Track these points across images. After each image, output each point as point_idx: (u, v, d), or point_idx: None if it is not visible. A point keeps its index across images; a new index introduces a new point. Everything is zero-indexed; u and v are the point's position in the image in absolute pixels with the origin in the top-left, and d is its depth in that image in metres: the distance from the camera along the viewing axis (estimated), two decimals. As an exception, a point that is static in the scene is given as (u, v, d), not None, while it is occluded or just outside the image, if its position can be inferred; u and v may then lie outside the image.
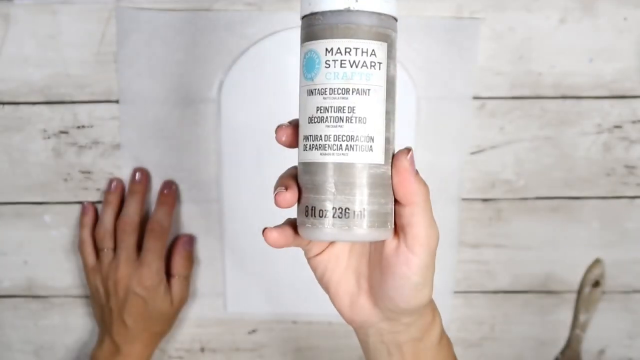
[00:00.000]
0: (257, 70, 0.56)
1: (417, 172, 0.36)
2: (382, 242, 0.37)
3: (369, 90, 0.34)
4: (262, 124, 0.57)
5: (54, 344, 0.64)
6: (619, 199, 0.60)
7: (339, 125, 0.34)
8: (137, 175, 0.58)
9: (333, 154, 0.34)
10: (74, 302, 0.63)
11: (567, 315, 0.64)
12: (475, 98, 0.57)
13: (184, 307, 0.61)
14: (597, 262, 0.62)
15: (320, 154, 0.35)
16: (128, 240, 0.57)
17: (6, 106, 0.57)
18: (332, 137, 0.34)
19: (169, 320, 0.60)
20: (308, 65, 0.35)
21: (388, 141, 0.35)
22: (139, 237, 0.58)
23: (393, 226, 0.36)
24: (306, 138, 0.36)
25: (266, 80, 0.56)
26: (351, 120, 0.34)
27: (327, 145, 0.35)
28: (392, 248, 0.37)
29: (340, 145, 0.34)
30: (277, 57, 0.56)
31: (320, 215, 0.35)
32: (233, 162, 0.58)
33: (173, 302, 0.59)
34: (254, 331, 0.64)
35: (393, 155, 0.36)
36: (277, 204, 0.36)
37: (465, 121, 0.57)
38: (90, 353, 0.59)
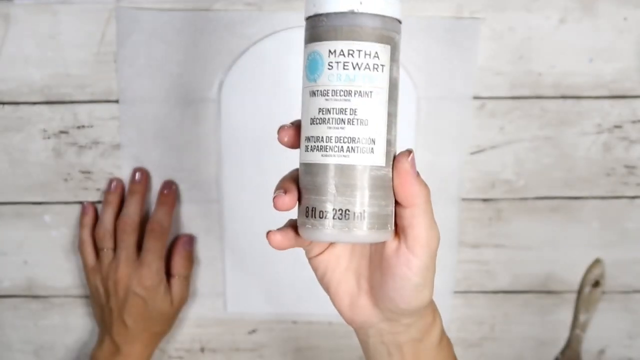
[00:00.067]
0: (257, 70, 0.56)
1: (418, 174, 0.36)
2: (383, 243, 0.37)
3: (371, 92, 0.34)
4: (262, 124, 0.57)
5: (54, 344, 0.64)
6: (619, 199, 0.60)
7: (341, 127, 0.34)
8: (137, 175, 0.58)
9: (334, 156, 0.34)
10: (74, 302, 0.63)
11: (567, 315, 0.64)
12: (475, 98, 0.57)
13: (184, 307, 0.61)
14: (597, 262, 0.62)
15: (322, 155, 0.35)
16: (128, 240, 0.57)
17: (6, 106, 0.57)
18: (333, 138, 0.34)
19: (169, 320, 0.60)
20: (311, 67, 0.35)
21: (389, 143, 0.35)
22: (139, 237, 0.58)
23: (393, 228, 0.36)
24: (308, 139, 0.36)
25: (266, 80, 0.56)
26: (353, 122, 0.34)
27: (328, 147, 0.35)
28: (392, 249, 0.37)
29: (342, 147, 0.34)
30: (277, 57, 0.56)
31: (321, 216, 0.35)
32: (233, 162, 0.58)
33: (173, 302, 0.59)
34: (254, 331, 0.64)
35: (394, 157, 0.36)
36: (275, 206, 0.36)
37: (465, 121, 0.57)
38: (90, 353, 0.59)
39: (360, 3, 0.34)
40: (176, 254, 0.59)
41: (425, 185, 0.36)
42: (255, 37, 0.55)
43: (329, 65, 0.34)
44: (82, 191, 0.60)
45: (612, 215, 0.61)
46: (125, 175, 0.59)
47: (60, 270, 0.62)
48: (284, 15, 0.55)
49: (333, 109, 0.34)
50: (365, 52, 0.34)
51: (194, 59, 0.56)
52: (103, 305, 0.58)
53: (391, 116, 0.35)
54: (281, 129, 0.37)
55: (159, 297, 0.57)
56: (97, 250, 0.59)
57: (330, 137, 0.34)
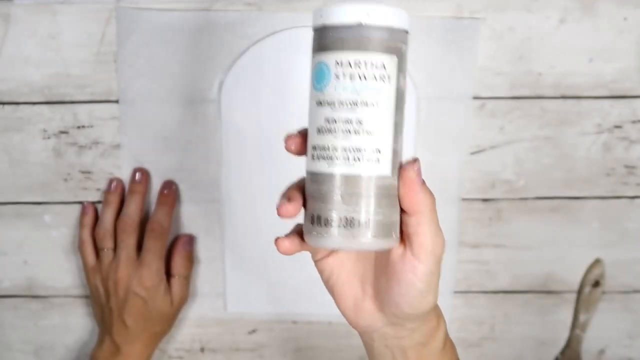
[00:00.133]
0: (257, 70, 0.56)
1: (423, 182, 0.36)
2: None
3: (377, 103, 0.34)
4: (262, 124, 0.57)
5: (54, 344, 0.64)
6: (619, 199, 0.60)
7: (347, 137, 0.34)
8: (137, 175, 0.58)
9: (340, 165, 0.35)
10: (74, 302, 0.63)
11: (567, 315, 0.64)
12: (475, 98, 0.57)
13: (184, 307, 0.61)
14: (597, 262, 0.62)
15: (328, 165, 0.35)
16: (128, 240, 0.57)
17: (6, 106, 0.57)
18: (339, 148, 0.34)
19: (169, 320, 0.60)
20: (318, 77, 0.35)
21: (395, 153, 0.35)
22: (139, 237, 0.58)
23: (399, 235, 0.37)
24: (314, 148, 0.36)
25: (266, 80, 0.56)
26: (359, 132, 0.34)
27: (334, 156, 0.35)
28: (398, 255, 0.37)
29: (348, 156, 0.34)
30: (277, 57, 0.56)
31: (326, 224, 0.35)
32: (233, 162, 0.58)
33: (173, 302, 0.59)
34: (254, 331, 0.64)
35: (400, 166, 0.36)
36: (279, 214, 0.36)
37: (465, 121, 0.57)
38: (90, 353, 0.59)
39: (367, 15, 0.34)
40: (176, 254, 0.59)
41: (431, 194, 0.36)
42: (255, 37, 0.55)
43: (336, 75, 0.34)
44: (82, 191, 0.60)
45: (612, 215, 0.61)
46: (125, 175, 0.59)
47: (60, 270, 0.62)
48: (284, 15, 0.55)
49: (339, 118, 0.34)
50: (371, 63, 0.34)
51: (194, 59, 0.56)
52: (103, 305, 0.58)
53: (397, 126, 0.35)
54: (288, 137, 0.38)
55: (159, 297, 0.57)
56: (97, 250, 0.59)
57: (337, 146, 0.34)
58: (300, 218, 0.38)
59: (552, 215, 0.60)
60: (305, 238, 0.37)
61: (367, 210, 0.35)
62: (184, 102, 0.57)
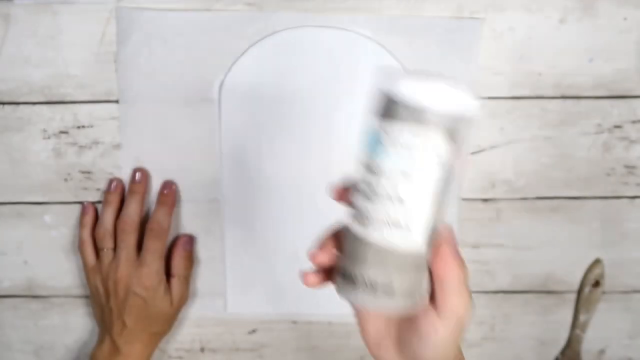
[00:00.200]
0: (257, 70, 0.56)
1: (457, 254, 0.36)
2: None
3: (424, 180, 0.34)
4: (262, 124, 0.57)
5: (54, 344, 0.64)
6: (619, 199, 0.60)
7: (386, 207, 0.34)
8: (137, 175, 0.58)
9: (374, 230, 0.34)
10: (74, 302, 0.63)
11: (567, 315, 0.64)
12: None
13: (184, 307, 0.61)
14: (597, 262, 0.62)
15: (362, 227, 0.35)
16: (128, 240, 0.57)
17: (6, 106, 0.57)
18: (375, 214, 0.34)
19: (169, 320, 0.60)
20: (371, 141, 0.35)
21: (431, 226, 0.35)
22: (139, 237, 0.58)
23: (424, 298, 0.37)
24: (353, 206, 0.36)
25: (266, 80, 0.56)
26: (399, 202, 0.34)
27: (369, 221, 0.34)
28: (422, 310, 0.37)
29: (383, 223, 0.34)
30: (277, 57, 0.56)
31: (352, 281, 0.35)
32: (233, 162, 0.58)
33: (173, 302, 0.59)
34: (254, 331, 0.64)
35: (434, 234, 0.36)
36: (309, 258, 0.38)
37: (465, 121, 0.57)
38: (90, 353, 0.59)
39: (438, 99, 0.33)
40: (176, 254, 0.59)
41: (463, 266, 0.37)
42: (255, 37, 0.55)
43: (387, 144, 0.34)
44: (82, 191, 0.60)
45: (612, 215, 0.61)
46: (125, 175, 0.59)
47: (60, 270, 0.62)
48: (284, 15, 0.55)
49: (383, 188, 0.34)
50: (428, 142, 0.33)
51: (194, 59, 0.56)
52: (103, 305, 0.58)
53: (440, 205, 0.35)
54: (332, 188, 0.38)
55: (159, 297, 0.57)
56: (97, 250, 0.59)
57: (374, 212, 0.34)
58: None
59: (552, 215, 0.60)
60: (333, 283, 0.37)
61: (395, 276, 0.35)
62: (184, 102, 0.57)
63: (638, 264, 0.62)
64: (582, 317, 0.63)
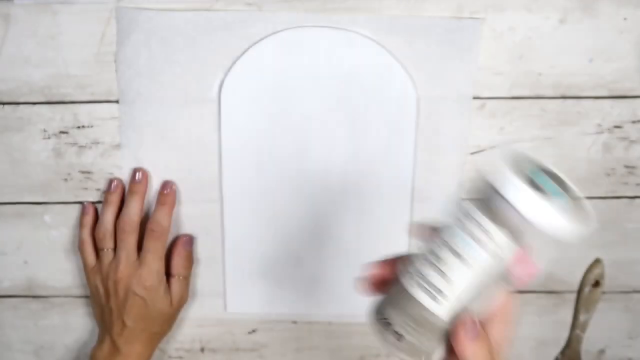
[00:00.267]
0: (257, 70, 0.56)
1: (477, 334, 0.37)
2: None
3: (474, 267, 0.35)
4: (262, 124, 0.57)
5: (54, 344, 0.64)
6: (619, 199, 0.60)
7: (430, 272, 0.36)
8: (137, 175, 0.58)
9: (413, 287, 0.36)
10: (74, 302, 0.63)
11: (567, 315, 0.64)
12: (475, 98, 0.57)
13: (184, 307, 0.61)
14: (597, 262, 0.62)
15: (406, 280, 0.37)
16: (128, 240, 0.57)
17: (6, 106, 0.57)
18: (419, 274, 0.36)
19: (169, 320, 0.60)
20: (449, 210, 0.37)
21: (461, 307, 0.36)
22: (139, 237, 0.58)
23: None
24: (410, 260, 0.38)
25: (266, 80, 0.56)
26: (443, 275, 0.36)
27: (414, 278, 0.37)
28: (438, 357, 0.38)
29: (423, 285, 0.36)
30: (277, 57, 0.56)
31: (381, 322, 0.38)
32: (233, 162, 0.58)
33: (173, 303, 0.59)
34: (254, 331, 0.64)
35: (464, 314, 0.37)
36: (361, 272, 0.39)
37: (465, 121, 0.57)
38: (90, 353, 0.59)
39: (537, 212, 0.34)
40: (176, 254, 0.59)
41: (486, 344, 0.37)
42: (255, 37, 0.55)
43: (462, 226, 0.36)
44: (82, 191, 0.60)
45: (612, 215, 0.61)
46: (125, 175, 0.59)
47: (60, 270, 0.62)
48: (284, 15, 0.55)
49: (437, 255, 0.36)
50: (498, 238, 0.35)
51: (194, 59, 0.56)
52: (103, 305, 0.58)
53: (480, 293, 0.36)
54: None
55: (159, 297, 0.57)
56: (97, 250, 0.59)
57: (418, 272, 0.37)
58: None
59: (552, 215, 0.60)
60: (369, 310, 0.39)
61: (409, 329, 0.37)
62: (184, 102, 0.57)
63: (638, 264, 0.62)
64: (582, 317, 0.63)
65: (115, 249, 0.58)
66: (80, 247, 0.59)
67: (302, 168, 0.58)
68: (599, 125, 0.58)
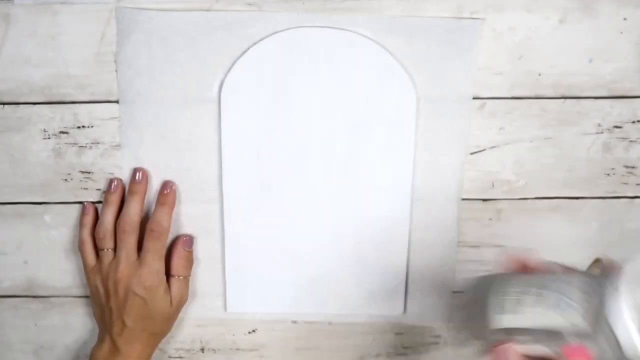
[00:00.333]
0: (257, 70, 0.56)
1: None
2: None
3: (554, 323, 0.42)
4: (262, 124, 0.57)
5: (54, 344, 0.64)
6: (619, 199, 0.60)
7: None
8: (137, 175, 0.58)
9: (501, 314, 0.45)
10: (74, 302, 0.63)
11: (567, 315, 0.63)
12: (475, 98, 0.57)
13: (184, 307, 0.61)
14: (597, 262, 0.62)
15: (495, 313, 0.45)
16: (128, 240, 0.57)
17: (6, 106, 0.57)
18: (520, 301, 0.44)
19: (169, 320, 0.60)
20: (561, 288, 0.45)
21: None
22: (139, 237, 0.58)
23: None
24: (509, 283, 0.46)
25: (266, 80, 0.56)
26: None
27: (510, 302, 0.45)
28: None
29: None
30: (277, 57, 0.56)
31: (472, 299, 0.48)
32: (233, 162, 0.58)
33: (173, 303, 0.59)
34: (254, 331, 0.64)
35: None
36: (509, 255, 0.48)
37: (465, 121, 0.57)
38: (90, 353, 0.59)
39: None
40: (176, 254, 0.59)
41: None
42: (255, 37, 0.55)
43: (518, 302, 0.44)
44: (82, 191, 0.60)
45: (612, 215, 0.61)
46: (125, 175, 0.59)
47: (60, 270, 0.62)
48: (284, 15, 0.55)
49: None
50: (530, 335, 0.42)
51: (194, 59, 0.56)
52: (103, 305, 0.58)
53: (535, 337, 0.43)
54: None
55: (159, 297, 0.57)
56: (97, 250, 0.59)
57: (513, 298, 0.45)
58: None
59: (552, 215, 0.60)
60: None
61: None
62: (184, 102, 0.57)
63: (638, 264, 0.62)
64: (582, 317, 0.63)
65: (115, 249, 0.58)
66: (80, 247, 0.59)
67: (302, 168, 0.58)
68: (599, 125, 0.58)
